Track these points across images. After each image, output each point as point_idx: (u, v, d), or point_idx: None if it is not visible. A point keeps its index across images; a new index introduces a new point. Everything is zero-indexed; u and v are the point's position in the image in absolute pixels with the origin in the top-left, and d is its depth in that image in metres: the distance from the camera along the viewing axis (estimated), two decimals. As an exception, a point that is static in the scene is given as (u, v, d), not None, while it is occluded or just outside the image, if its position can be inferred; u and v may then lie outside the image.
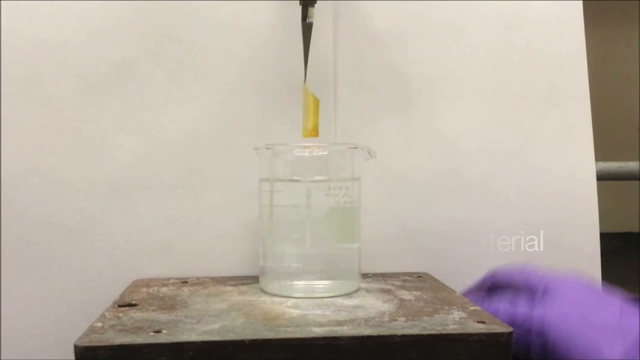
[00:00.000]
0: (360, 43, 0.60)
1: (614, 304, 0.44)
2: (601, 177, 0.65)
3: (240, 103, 0.59)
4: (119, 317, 0.44)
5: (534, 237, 0.62)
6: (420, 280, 0.56)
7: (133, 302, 0.48)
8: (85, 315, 0.52)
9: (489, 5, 0.61)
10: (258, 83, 0.59)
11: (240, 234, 0.59)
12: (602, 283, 0.61)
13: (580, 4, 0.63)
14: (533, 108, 0.62)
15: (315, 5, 0.54)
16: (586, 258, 0.62)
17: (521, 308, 0.45)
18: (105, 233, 0.58)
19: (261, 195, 0.53)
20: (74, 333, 0.39)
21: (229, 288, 0.53)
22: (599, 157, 0.64)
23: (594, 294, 0.46)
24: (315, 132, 0.53)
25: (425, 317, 0.44)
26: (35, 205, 0.57)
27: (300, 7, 0.54)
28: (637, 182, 0.78)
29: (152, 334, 0.40)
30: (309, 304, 0.48)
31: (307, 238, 0.51)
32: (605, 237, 0.63)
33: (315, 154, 0.52)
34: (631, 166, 0.71)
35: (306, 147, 0.52)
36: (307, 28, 0.54)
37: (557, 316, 0.43)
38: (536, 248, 0.62)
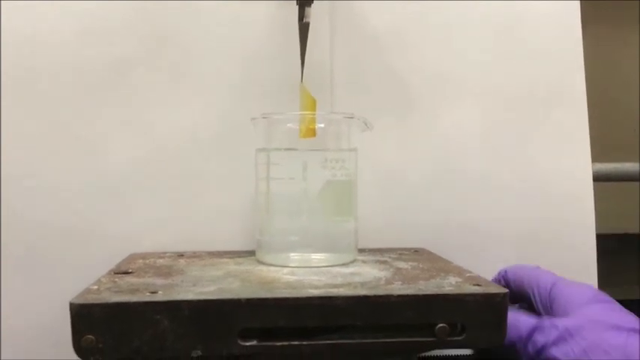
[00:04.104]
0: (356, 43, 0.60)
1: (620, 327, 0.43)
2: (598, 178, 0.65)
3: (237, 103, 0.59)
4: (115, 282, 0.44)
5: (531, 237, 0.62)
6: (417, 253, 0.56)
7: (129, 270, 0.48)
8: None
9: (486, 6, 0.62)
10: (255, 84, 0.59)
11: (241, 235, 0.59)
12: (599, 285, 0.61)
13: (577, 5, 0.63)
14: (530, 109, 0.62)
15: (312, 5, 0.54)
16: (582, 259, 0.62)
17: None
18: (102, 234, 0.58)
19: (257, 168, 0.53)
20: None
21: (226, 260, 0.53)
22: (597, 158, 0.64)
23: (602, 311, 0.44)
24: (311, 132, 0.53)
25: (421, 281, 0.44)
26: (33, 207, 0.57)
27: (296, 7, 0.54)
28: (635, 183, 0.78)
29: (148, 294, 0.40)
30: (306, 271, 0.48)
31: (304, 212, 0.51)
32: (602, 238, 0.63)
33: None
34: (628, 167, 0.72)
35: (302, 116, 0.52)
36: (304, 28, 0.54)
37: (561, 334, 0.43)
38: (532, 249, 0.62)
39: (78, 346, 0.38)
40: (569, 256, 0.62)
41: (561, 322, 0.43)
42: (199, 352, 0.39)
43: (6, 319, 0.57)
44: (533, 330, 0.44)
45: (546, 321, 0.44)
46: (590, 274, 0.61)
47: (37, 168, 0.57)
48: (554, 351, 0.42)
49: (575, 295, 0.45)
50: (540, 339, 0.43)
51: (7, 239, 0.57)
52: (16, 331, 0.57)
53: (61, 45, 0.57)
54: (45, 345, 0.57)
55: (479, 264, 0.51)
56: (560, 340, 0.42)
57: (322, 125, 0.52)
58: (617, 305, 0.45)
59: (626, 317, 0.44)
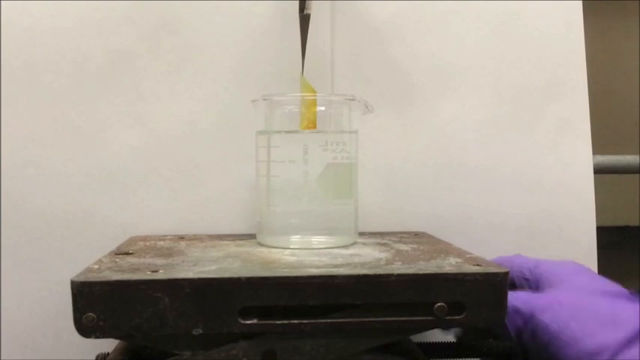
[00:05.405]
0: (357, 35, 0.60)
1: (607, 293, 0.44)
2: (598, 170, 0.65)
3: (237, 95, 0.59)
4: (116, 262, 0.44)
5: (531, 229, 0.62)
6: (417, 236, 0.56)
7: (130, 251, 0.48)
8: None
9: None
10: (255, 75, 0.59)
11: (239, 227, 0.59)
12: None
13: None
14: (531, 101, 0.62)
15: None
16: (582, 251, 0.62)
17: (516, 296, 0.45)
18: (103, 222, 0.58)
19: (258, 150, 0.53)
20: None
21: (226, 242, 0.53)
22: (598, 150, 0.64)
23: (588, 281, 0.46)
24: (312, 124, 0.53)
25: (421, 262, 0.44)
26: (32, 197, 0.57)
27: None
28: (635, 176, 0.78)
29: (149, 273, 0.40)
30: (306, 253, 0.48)
31: (304, 194, 0.51)
32: (602, 230, 0.63)
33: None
34: (628, 159, 0.72)
35: (303, 98, 0.52)
36: (305, 20, 0.54)
37: (547, 302, 0.43)
38: (532, 241, 0.62)
39: (79, 323, 0.38)
40: (570, 249, 0.62)
41: (549, 292, 0.44)
42: (200, 330, 0.39)
43: (6, 308, 0.57)
44: (523, 302, 0.44)
45: (535, 293, 0.45)
46: (590, 267, 0.61)
47: (38, 157, 0.57)
48: (544, 317, 0.42)
49: (559, 268, 0.47)
50: (528, 308, 0.43)
51: (7, 228, 0.57)
52: (16, 319, 0.57)
53: (61, 36, 0.57)
54: (46, 332, 0.57)
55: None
56: (549, 307, 0.42)
57: (323, 108, 0.52)
58: (599, 275, 0.46)
59: (610, 284, 0.45)
